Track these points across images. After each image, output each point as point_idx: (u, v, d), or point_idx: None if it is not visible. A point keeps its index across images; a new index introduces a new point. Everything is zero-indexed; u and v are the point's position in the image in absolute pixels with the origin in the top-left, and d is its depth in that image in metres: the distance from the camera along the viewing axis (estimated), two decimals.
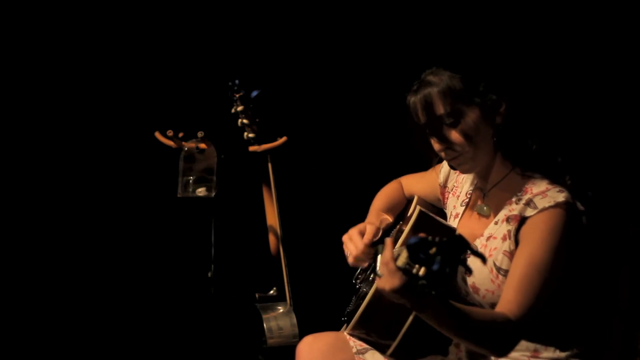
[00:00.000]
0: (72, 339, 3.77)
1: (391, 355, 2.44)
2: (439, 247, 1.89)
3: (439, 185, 2.73)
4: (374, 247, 2.53)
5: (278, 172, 3.12)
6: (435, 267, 1.89)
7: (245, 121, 3.07)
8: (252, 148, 3.10)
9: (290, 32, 3.67)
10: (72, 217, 3.78)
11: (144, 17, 3.68)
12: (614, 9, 3.27)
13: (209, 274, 3.03)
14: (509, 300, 2.25)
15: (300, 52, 3.69)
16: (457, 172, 2.57)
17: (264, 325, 3.04)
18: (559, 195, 2.31)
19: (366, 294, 2.46)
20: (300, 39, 3.68)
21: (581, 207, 2.34)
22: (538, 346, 2.40)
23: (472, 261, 1.98)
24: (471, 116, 2.36)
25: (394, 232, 2.71)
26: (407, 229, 2.45)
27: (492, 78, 2.38)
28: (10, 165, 3.73)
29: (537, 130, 2.41)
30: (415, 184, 2.84)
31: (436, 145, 2.41)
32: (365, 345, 2.54)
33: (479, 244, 2.42)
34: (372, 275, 2.59)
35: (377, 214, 2.79)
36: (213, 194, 3.00)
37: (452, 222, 2.59)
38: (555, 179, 2.37)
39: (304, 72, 3.69)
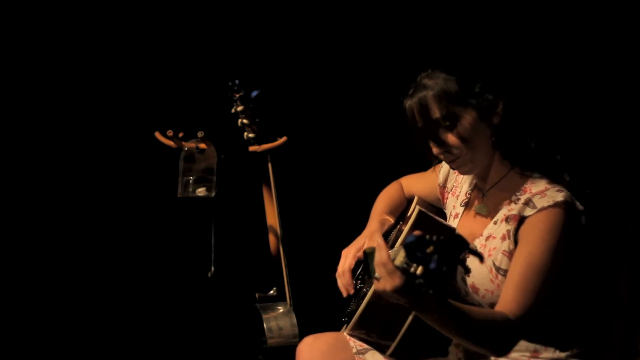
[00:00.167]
0: (72, 338, 3.77)
1: (391, 356, 2.43)
2: (436, 246, 1.88)
3: (439, 185, 2.72)
4: (364, 253, 2.52)
5: (278, 172, 3.11)
6: (432, 265, 1.88)
7: (245, 121, 3.07)
8: (252, 148, 3.10)
9: (290, 32, 3.67)
10: (73, 217, 3.78)
11: (144, 17, 3.68)
12: (611, 5, 3.26)
13: (209, 274, 3.02)
14: (508, 299, 2.25)
15: (300, 52, 3.69)
16: (457, 172, 2.57)
17: (264, 325, 3.03)
18: (558, 195, 2.31)
19: (366, 294, 2.46)
20: (300, 40, 3.68)
21: (580, 207, 2.33)
22: (538, 346, 2.39)
23: (471, 261, 1.98)
24: (468, 118, 2.35)
25: (394, 232, 2.71)
26: (406, 229, 2.45)
27: (488, 78, 2.37)
28: (11, 165, 3.73)
29: (535, 129, 2.40)
30: (415, 184, 2.84)
31: (435, 149, 2.40)
32: (365, 346, 2.54)
33: (478, 243, 2.42)
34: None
35: (379, 217, 2.78)
36: (213, 194, 3.00)
37: (452, 222, 2.58)
38: (554, 178, 2.37)
39: (303, 73, 3.69)
